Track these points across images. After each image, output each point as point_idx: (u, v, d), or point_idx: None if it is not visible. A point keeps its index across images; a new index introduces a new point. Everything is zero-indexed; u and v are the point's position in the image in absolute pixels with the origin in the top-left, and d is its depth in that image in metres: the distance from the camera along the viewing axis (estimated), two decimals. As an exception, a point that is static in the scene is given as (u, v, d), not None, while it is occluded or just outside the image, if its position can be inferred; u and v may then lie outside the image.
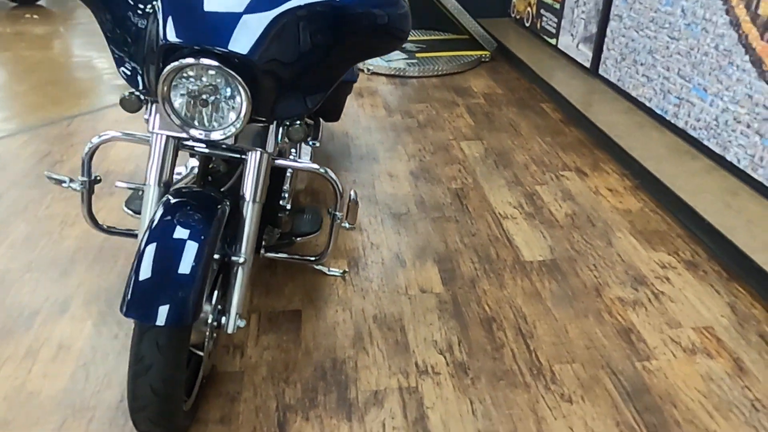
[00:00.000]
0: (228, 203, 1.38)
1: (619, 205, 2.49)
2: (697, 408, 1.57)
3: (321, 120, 2.50)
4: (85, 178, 1.55)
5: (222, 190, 1.55)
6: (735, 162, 2.40)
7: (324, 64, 1.42)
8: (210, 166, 1.65)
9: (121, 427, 1.48)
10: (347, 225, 1.68)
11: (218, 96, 1.29)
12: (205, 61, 1.22)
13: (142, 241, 1.22)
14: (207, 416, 1.52)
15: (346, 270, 2.06)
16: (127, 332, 1.76)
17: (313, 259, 1.80)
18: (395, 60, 4.01)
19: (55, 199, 2.43)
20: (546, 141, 3.05)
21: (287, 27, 1.32)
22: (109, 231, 1.69)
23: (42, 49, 4.38)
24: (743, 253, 1.99)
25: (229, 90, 1.28)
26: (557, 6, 3.91)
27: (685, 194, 2.33)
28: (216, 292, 1.44)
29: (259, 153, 1.43)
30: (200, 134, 1.30)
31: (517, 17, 4.63)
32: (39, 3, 5.58)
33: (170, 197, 1.32)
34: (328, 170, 1.60)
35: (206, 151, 1.47)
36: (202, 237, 1.24)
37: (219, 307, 1.46)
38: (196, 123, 1.31)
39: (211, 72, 1.26)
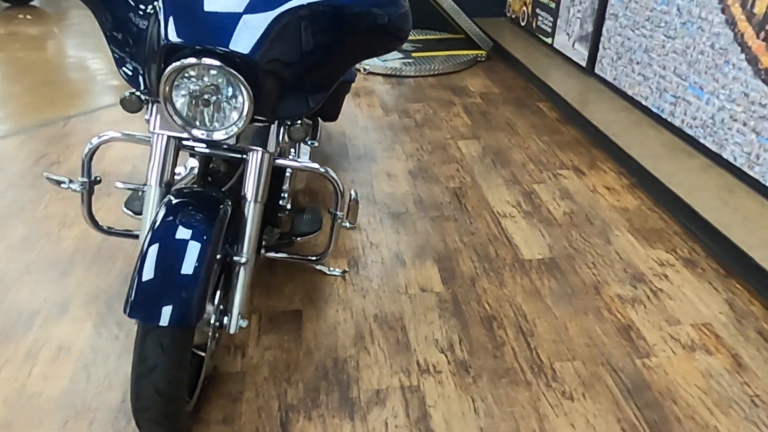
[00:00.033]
0: (230, 203, 1.38)
1: (616, 203, 2.50)
2: (697, 404, 1.58)
3: (319, 120, 2.50)
4: (85, 179, 1.55)
5: (222, 190, 1.55)
6: (731, 160, 2.42)
7: (325, 63, 1.42)
8: (210, 166, 1.65)
9: (123, 429, 1.47)
10: (348, 224, 1.68)
11: (220, 96, 1.29)
12: (207, 60, 1.22)
13: (144, 241, 1.22)
14: (209, 417, 1.52)
15: (346, 270, 2.06)
16: (128, 333, 1.76)
17: (314, 258, 1.80)
18: (391, 59, 4.01)
19: (53, 200, 2.42)
20: (543, 140, 3.06)
21: (288, 26, 1.32)
22: (110, 232, 1.69)
23: (36, 49, 4.36)
24: (741, 250, 2.00)
25: (230, 90, 1.28)
26: (553, 5, 3.92)
27: (682, 192, 2.34)
28: (218, 293, 1.44)
29: (260, 153, 1.43)
30: (202, 134, 1.30)
31: (513, 16, 4.64)
32: (32, 3, 5.55)
33: (172, 197, 1.32)
34: (329, 170, 1.60)
35: (207, 151, 1.47)
36: (205, 237, 1.24)
37: (221, 307, 1.46)
38: (197, 123, 1.31)
39: (213, 72, 1.26)
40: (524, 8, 4.39)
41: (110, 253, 2.10)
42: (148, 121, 1.40)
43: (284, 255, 1.81)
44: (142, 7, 1.35)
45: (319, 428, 1.50)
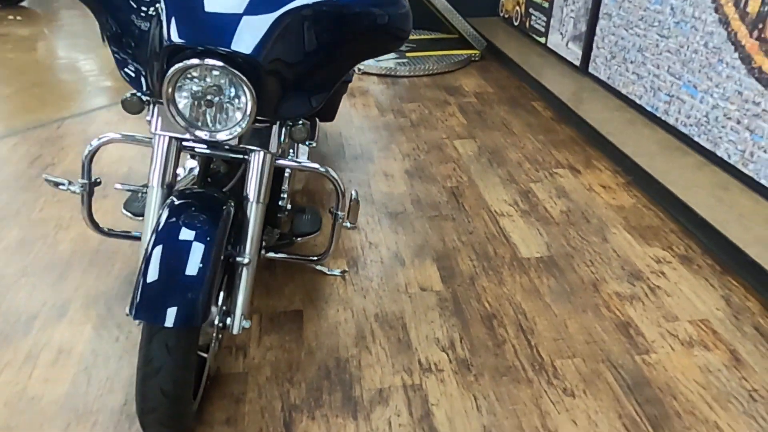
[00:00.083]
0: (232, 204, 1.38)
1: (612, 201, 2.52)
2: (697, 399, 1.60)
3: (317, 120, 2.50)
4: (85, 181, 1.54)
5: (223, 190, 1.55)
6: (725, 157, 2.44)
7: (326, 63, 1.42)
8: (211, 166, 1.65)
9: (126, 431, 1.47)
10: (348, 224, 1.69)
11: (222, 97, 1.29)
12: (210, 61, 1.21)
13: (149, 243, 1.22)
14: (212, 418, 1.52)
15: (346, 269, 2.06)
16: (128, 335, 1.76)
17: (315, 258, 1.80)
18: (386, 59, 4.02)
19: (48, 203, 2.40)
20: (538, 139, 3.08)
21: (290, 27, 1.32)
22: (110, 234, 1.68)
23: (27, 51, 4.33)
24: (736, 247, 2.02)
25: (233, 90, 1.28)
26: (546, 5, 3.94)
27: (678, 190, 2.36)
28: (221, 294, 1.44)
29: (262, 154, 1.43)
30: (206, 135, 1.30)
31: (506, 16, 4.66)
32: (22, 4, 5.51)
33: (174, 199, 1.32)
34: (330, 169, 1.60)
35: (208, 152, 1.47)
36: (209, 238, 1.24)
37: (224, 308, 1.46)
38: (200, 124, 1.31)
39: (215, 72, 1.26)
40: (517, 8, 4.41)
41: (109, 255, 2.09)
42: (149, 122, 1.40)
43: (285, 255, 1.81)
44: (143, 8, 1.35)
45: (322, 428, 1.50)
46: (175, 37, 1.22)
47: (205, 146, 1.45)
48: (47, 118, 3.20)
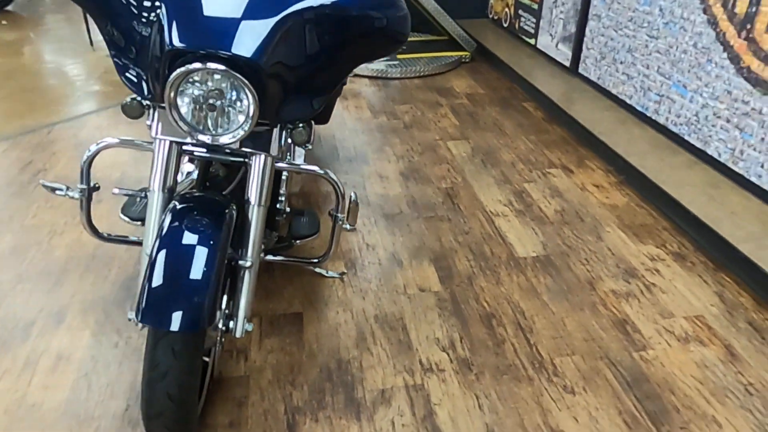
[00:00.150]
0: (234, 207, 1.38)
1: (605, 200, 2.55)
2: (695, 394, 1.62)
3: (312, 123, 2.50)
4: (84, 186, 1.53)
5: (223, 194, 1.55)
6: (716, 156, 2.48)
7: (327, 66, 1.43)
8: (210, 170, 1.64)
9: (129, 436, 1.46)
10: (348, 226, 1.69)
11: (224, 100, 1.29)
12: (212, 65, 1.22)
13: (153, 247, 1.22)
14: (215, 421, 1.51)
15: (345, 271, 2.06)
16: (128, 341, 1.75)
17: (314, 261, 1.81)
18: (377, 62, 4.03)
19: (41, 208, 2.38)
20: (530, 139, 3.10)
21: (290, 30, 1.33)
22: (109, 239, 1.67)
23: (13, 55, 4.29)
24: (729, 244, 2.06)
25: (234, 94, 1.29)
26: (535, 6, 3.98)
27: (670, 188, 2.39)
28: (224, 297, 1.44)
29: (263, 157, 1.43)
30: (208, 139, 1.30)
31: (495, 18, 4.69)
32: (8, 8, 5.45)
33: (177, 203, 1.32)
34: (329, 171, 1.61)
35: (208, 155, 1.47)
36: (213, 242, 1.24)
37: (226, 311, 1.46)
38: (201, 128, 1.31)
39: (217, 76, 1.26)
40: (506, 9, 4.44)
41: (105, 260, 2.08)
42: (149, 126, 1.40)
43: (285, 258, 1.81)
44: (144, 13, 1.35)
45: (326, 430, 1.50)
46: (176, 42, 1.22)
47: (205, 150, 1.45)
48: (37, 123, 3.17)
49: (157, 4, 1.30)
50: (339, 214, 1.66)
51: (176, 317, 1.16)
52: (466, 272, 2.09)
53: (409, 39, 4.57)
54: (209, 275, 1.20)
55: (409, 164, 2.82)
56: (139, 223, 1.76)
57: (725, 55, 2.39)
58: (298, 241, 1.86)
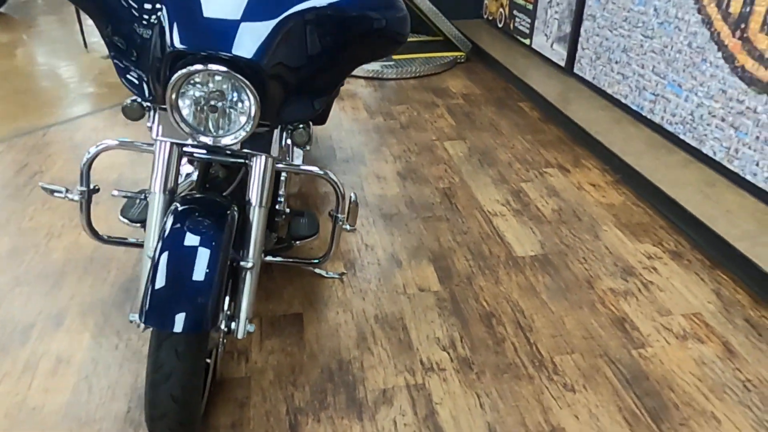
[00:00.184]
0: (236, 208, 1.38)
1: (602, 199, 2.56)
2: (693, 391, 1.64)
3: (310, 123, 2.50)
4: (84, 188, 1.53)
5: (224, 195, 1.55)
6: (711, 154, 2.50)
7: (327, 67, 1.43)
8: (210, 171, 1.64)
9: (131, 439, 1.46)
10: (348, 227, 1.69)
11: (225, 102, 1.29)
12: (213, 66, 1.22)
13: (155, 249, 1.21)
14: (218, 422, 1.51)
15: (344, 272, 2.07)
16: (127, 343, 1.74)
17: (315, 261, 1.81)
18: (372, 62, 4.03)
19: (38, 211, 2.37)
20: (527, 139, 3.12)
21: (291, 31, 1.33)
22: (109, 241, 1.67)
23: (6, 57, 4.27)
24: (725, 242, 2.07)
25: (235, 95, 1.29)
26: (530, 7, 3.99)
27: (666, 187, 2.41)
28: (226, 298, 1.44)
29: (264, 158, 1.43)
30: (210, 140, 1.30)
31: (489, 18, 4.71)
32: (0, 10, 5.42)
33: (178, 205, 1.32)
34: (329, 172, 1.61)
35: (208, 157, 1.47)
36: (216, 243, 1.24)
37: (228, 312, 1.46)
38: (203, 129, 1.31)
39: (218, 78, 1.27)
40: (501, 10, 4.46)
41: (103, 262, 2.07)
42: (150, 128, 1.40)
43: (285, 259, 1.81)
44: (145, 16, 1.35)
45: (329, 430, 1.51)
46: (177, 43, 1.22)
47: (205, 151, 1.45)
48: (31, 125, 3.16)
49: (158, 6, 1.31)
50: (339, 215, 1.66)
51: (180, 319, 1.16)
52: (465, 272, 2.10)
53: (405, 39, 4.58)
54: (212, 276, 1.20)
55: (407, 164, 2.83)
56: (138, 225, 1.76)
57: (720, 54, 2.41)
58: (297, 242, 1.86)
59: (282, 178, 1.92)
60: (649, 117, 2.89)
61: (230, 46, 1.25)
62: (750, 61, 2.27)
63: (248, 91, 1.25)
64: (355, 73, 3.95)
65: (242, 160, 1.48)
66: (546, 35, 3.82)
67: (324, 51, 1.41)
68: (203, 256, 1.22)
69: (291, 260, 1.87)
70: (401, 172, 2.75)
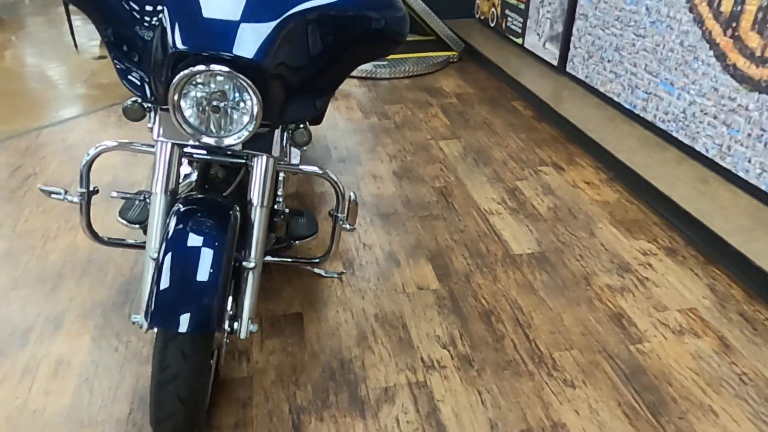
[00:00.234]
0: (238, 209, 1.38)
1: (597, 197, 2.59)
2: (691, 385, 1.66)
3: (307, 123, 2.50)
4: (83, 190, 1.52)
5: (224, 195, 1.55)
6: (704, 152, 2.53)
7: (328, 67, 1.44)
8: (210, 172, 1.64)
9: (134, 440, 1.46)
10: (348, 226, 1.70)
11: (227, 102, 1.30)
12: (216, 67, 1.22)
13: (159, 251, 1.22)
14: (221, 423, 1.51)
15: (343, 271, 2.07)
16: (128, 345, 1.74)
17: (316, 261, 1.81)
18: (365, 62, 4.04)
19: (33, 213, 2.36)
20: (521, 138, 3.14)
21: (292, 31, 1.34)
22: (110, 243, 1.66)
23: (-4, 59, 4.23)
24: (720, 238, 2.10)
25: (237, 95, 1.29)
26: (522, 6, 4.02)
27: (659, 184, 2.44)
28: (229, 298, 1.44)
29: (265, 158, 1.43)
30: (213, 141, 1.30)
31: (482, 18, 4.73)
32: (-12, 11, 5.37)
33: (181, 206, 1.32)
34: (328, 171, 1.62)
35: (208, 157, 1.47)
36: (220, 243, 1.24)
37: (231, 312, 1.46)
38: (204, 129, 1.31)
39: (220, 78, 1.27)
40: (493, 9, 4.48)
41: (101, 264, 2.06)
42: (151, 129, 1.40)
43: (285, 259, 1.82)
44: (146, 17, 1.35)
45: (332, 428, 1.51)
46: (179, 44, 1.22)
47: (206, 152, 1.45)
48: (23, 127, 3.13)
49: (160, 7, 1.31)
50: (339, 214, 1.67)
51: (185, 319, 1.16)
52: (463, 270, 2.11)
53: (397, 39, 4.59)
54: (217, 277, 1.20)
55: (402, 164, 2.84)
56: (137, 226, 1.76)
57: (711, 52, 2.44)
58: (297, 242, 1.86)
59: (280, 179, 1.92)
60: (641, 115, 2.92)
61: (232, 47, 1.25)
62: (741, 59, 2.30)
63: (251, 91, 1.25)
64: (348, 73, 3.95)
65: (242, 161, 1.49)
66: (538, 34, 3.84)
67: (324, 51, 1.42)
68: (207, 256, 1.22)
69: (291, 260, 1.88)
70: (397, 172, 2.76)
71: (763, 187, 2.26)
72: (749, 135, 2.29)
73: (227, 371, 1.66)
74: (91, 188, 1.55)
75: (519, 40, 4.10)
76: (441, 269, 2.11)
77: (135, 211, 1.79)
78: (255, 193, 1.43)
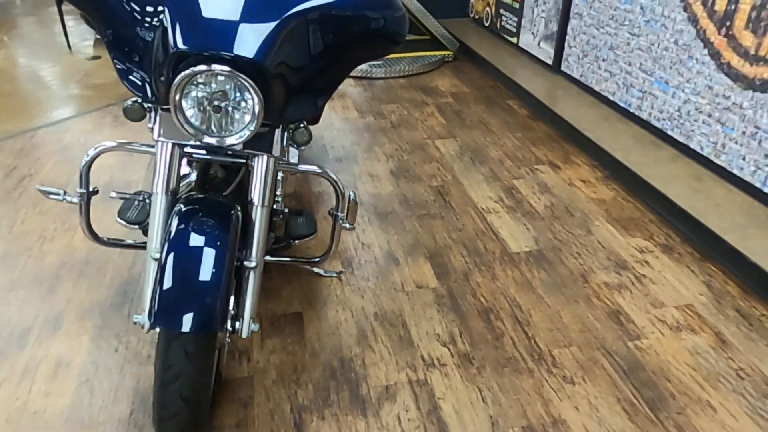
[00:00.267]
0: (239, 208, 1.38)
1: (593, 195, 2.60)
2: (689, 380, 1.67)
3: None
4: (83, 190, 1.52)
5: (224, 195, 1.55)
6: (698, 150, 2.55)
7: (328, 66, 1.44)
8: (210, 171, 1.64)
9: (135, 440, 1.46)
10: (347, 225, 1.71)
11: (228, 102, 1.30)
12: (217, 66, 1.22)
13: (162, 251, 1.22)
14: (222, 422, 1.52)
15: (342, 270, 2.08)
16: (127, 345, 1.74)
17: (316, 260, 1.82)
18: (361, 62, 4.04)
19: (29, 215, 2.35)
20: (517, 136, 3.15)
21: (293, 31, 1.34)
22: (109, 243, 1.66)
23: (-11, 60, 4.20)
24: (715, 234, 2.12)
25: (238, 95, 1.29)
26: (517, 6, 4.03)
27: (655, 182, 2.45)
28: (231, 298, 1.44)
29: (266, 157, 1.44)
30: (214, 141, 1.31)
31: (476, 17, 4.74)
32: (-20, 12, 5.34)
33: (182, 206, 1.32)
34: (328, 171, 1.62)
35: (208, 157, 1.47)
36: (222, 243, 1.25)
37: (232, 312, 1.46)
38: (206, 129, 1.31)
39: (221, 78, 1.27)
40: (487, 9, 4.49)
41: (99, 265, 2.06)
42: (151, 129, 1.39)
43: (284, 258, 1.82)
44: (147, 18, 1.35)
45: (333, 427, 1.52)
46: (180, 44, 1.22)
47: (205, 152, 1.45)
48: (18, 128, 3.12)
49: (160, 7, 1.30)
50: (339, 213, 1.67)
51: (188, 319, 1.16)
52: (461, 268, 2.12)
53: (392, 39, 4.59)
54: (219, 276, 1.21)
55: (399, 163, 2.84)
56: (136, 226, 1.75)
57: (706, 51, 2.46)
58: (296, 241, 1.86)
59: (279, 178, 1.92)
60: (636, 113, 2.94)
61: (233, 47, 1.25)
62: (735, 58, 2.32)
63: (252, 91, 1.26)
64: (343, 72, 3.95)
65: (242, 161, 1.49)
66: (533, 34, 3.86)
67: (324, 51, 1.42)
68: (210, 256, 1.22)
69: (291, 259, 1.88)
70: (394, 171, 2.77)
71: (757, 185, 2.28)
72: (743, 133, 2.32)
73: (228, 371, 1.66)
74: (91, 189, 1.55)
75: (514, 40, 4.12)
76: (440, 268, 2.12)
77: (134, 211, 1.78)
78: (256, 193, 1.43)
